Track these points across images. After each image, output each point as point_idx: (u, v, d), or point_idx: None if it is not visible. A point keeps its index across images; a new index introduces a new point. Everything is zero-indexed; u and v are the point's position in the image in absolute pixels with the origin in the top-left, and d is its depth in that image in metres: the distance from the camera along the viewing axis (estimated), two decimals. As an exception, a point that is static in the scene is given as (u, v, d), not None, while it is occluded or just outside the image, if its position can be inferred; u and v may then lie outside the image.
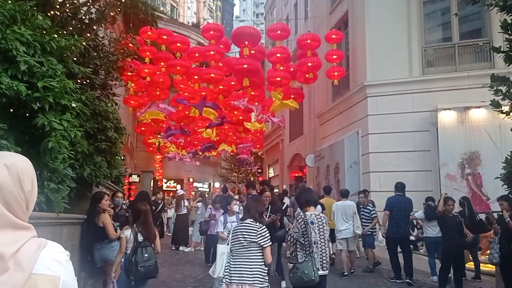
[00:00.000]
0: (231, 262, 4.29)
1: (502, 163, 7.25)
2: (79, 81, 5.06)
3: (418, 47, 13.35)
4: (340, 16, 16.38)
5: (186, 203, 14.02)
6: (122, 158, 8.08)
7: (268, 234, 4.38)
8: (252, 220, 4.39)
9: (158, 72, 15.00)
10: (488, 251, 7.44)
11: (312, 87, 18.32)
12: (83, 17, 5.47)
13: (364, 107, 13.86)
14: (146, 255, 4.58)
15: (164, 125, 18.38)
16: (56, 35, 3.68)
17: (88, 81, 5.60)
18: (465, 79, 12.20)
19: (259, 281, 4.22)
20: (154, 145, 22.18)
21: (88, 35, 5.54)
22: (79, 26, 5.40)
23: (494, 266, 7.12)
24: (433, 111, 12.50)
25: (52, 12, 4.60)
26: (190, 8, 43.94)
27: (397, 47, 13.40)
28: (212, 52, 14.14)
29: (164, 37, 15.07)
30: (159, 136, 19.82)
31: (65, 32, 4.06)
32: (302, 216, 4.46)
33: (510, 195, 6.81)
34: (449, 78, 12.64)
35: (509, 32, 7.10)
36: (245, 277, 4.20)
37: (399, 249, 8.60)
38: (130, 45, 7.00)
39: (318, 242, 4.34)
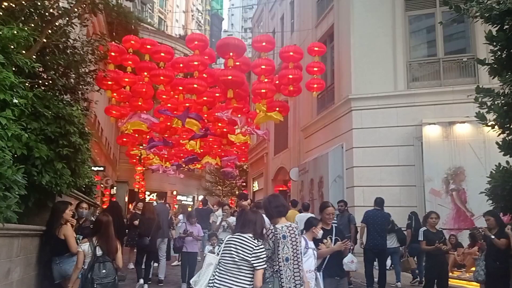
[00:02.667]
0: (217, 277, 3.81)
1: (487, 177, 7.05)
2: (37, 80, 4.72)
3: (403, 61, 13.28)
4: (326, 30, 16.31)
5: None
6: (91, 167, 7.72)
7: (265, 256, 3.83)
8: (252, 235, 3.87)
9: (140, 82, 14.70)
10: (473, 268, 7.19)
11: (297, 100, 18.13)
12: (42, 12, 5.13)
13: (348, 120, 13.69)
14: (104, 271, 4.21)
15: (148, 136, 18.01)
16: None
17: (50, 82, 5.27)
18: (449, 94, 12.10)
19: None
20: (137, 157, 21.79)
21: (50, 32, 5.21)
22: (40, 23, 5.08)
23: (478, 284, 6.86)
24: (417, 126, 12.37)
25: (6, 4, 4.28)
26: (178, 21, 43.85)
27: (382, 61, 13.30)
28: (196, 63, 13.88)
29: (148, 46, 14.81)
30: (141, 147, 19.41)
31: (21, 26, 3.74)
32: (272, 230, 4.06)
33: (495, 211, 6.59)
34: (434, 92, 12.55)
35: (494, 44, 6.96)
36: None
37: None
38: (101, 45, 6.63)
39: (291, 258, 3.96)
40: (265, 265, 3.80)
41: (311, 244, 4.81)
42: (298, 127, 19.19)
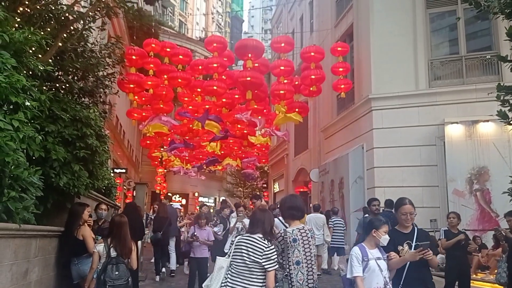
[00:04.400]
0: (229, 279, 3.76)
1: (510, 176, 6.85)
2: (54, 84, 4.82)
3: (425, 60, 13.04)
4: (345, 29, 16.17)
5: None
6: (110, 168, 7.83)
7: (275, 257, 3.74)
8: (261, 236, 3.81)
9: (161, 85, 14.86)
10: (496, 270, 6.99)
11: (317, 100, 18.04)
12: (57, 16, 5.24)
13: (369, 120, 13.52)
14: (116, 272, 4.23)
15: (169, 139, 18.19)
16: (14, 29, 3.43)
17: (67, 85, 5.37)
18: (472, 92, 11.81)
19: None
20: (158, 159, 22.03)
21: (66, 35, 5.31)
22: (56, 27, 5.18)
23: (502, 287, 6.66)
24: (440, 125, 12.12)
25: (21, 9, 4.38)
26: (198, 24, 44.19)
27: (402, 60, 13.09)
28: (215, 65, 13.96)
29: (167, 49, 14.97)
30: (162, 149, 19.61)
31: (37, 30, 3.82)
32: (282, 234, 4.00)
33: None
34: (456, 91, 12.27)
35: (515, 40, 6.76)
36: None
37: None
38: (117, 48, 6.72)
39: (302, 262, 3.83)
40: (277, 266, 3.75)
41: (373, 253, 3.90)
42: (318, 127, 19.07)
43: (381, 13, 13.66)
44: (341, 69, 13.64)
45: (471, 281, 7.46)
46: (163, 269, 10.32)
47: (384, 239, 3.91)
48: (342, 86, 13.81)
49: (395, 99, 12.99)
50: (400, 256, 3.95)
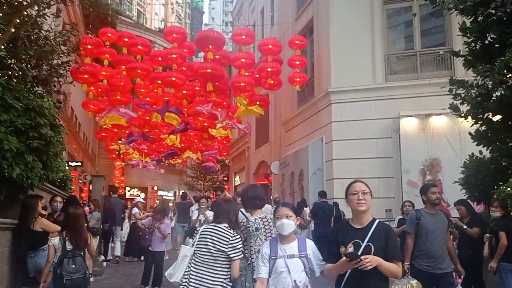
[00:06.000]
0: (193, 268, 3.76)
1: (460, 167, 7.20)
2: (6, 71, 4.59)
3: (382, 55, 13.37)
4: (306, 23, 16.32)
5: (135, 210, 12.76)
6: (65, 160, 7.58)
7: (241, 246, 3.77)
8: (227, 225, 3.83)
9: (118, 76, 14.50)
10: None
11: (277, 93, 18.15)
12: (11, 1, 4.99)
13: (328, 113, 13.75)
14: (73, 266, 4.12)
15: (127, 131, 17.80)
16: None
17: (21, 73, 5.14)
18: (426, 87, 12.24)
19: None
20: (116, 152, 21.53)
21: (18, 21, 5.07)
22: (9, 13, 4.93)
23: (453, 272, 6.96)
24: (395, 118, 12.48)
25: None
26: (157, 14, 43.35)
27: (361, 55, 13.36)
28: (174, 56, 13.79)
29: (125, 39, 14.62)
30: (120, 142, 19.17)
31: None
32: (244, 223, 4.03)
33: (468, 200, 6.72)
34: (411, 85, 12.67)
35: (468, 35, 7.08)
36: None
37: None
38: (72, 35, 6.48)
39: None
40: (242, 255, 3.78)
41: (286, 249, 3.22)
42: (279, 120, 19.21)
43: (341, 8, 13.88)
44: (297, 62, 13.79)
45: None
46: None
47: (284, 224, 3.21)
48: (298, 79, 13.96)
49: (354, 93, 13.26)
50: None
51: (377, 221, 3.04)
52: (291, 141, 17.36)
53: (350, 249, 2.87)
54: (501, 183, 6.42)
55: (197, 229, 5.00)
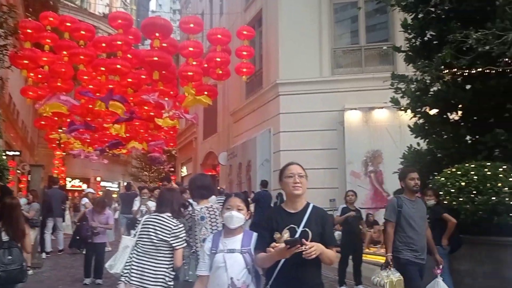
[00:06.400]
0: (135, 259, 3.71)
1: (400, 158, 7.52)
2: None
3: (328, 48, 13.66)
4: (255, 14, 16.34)
5: (84, 201, 12.57)
6: (4, 151, 7.16)
7: (184, 235, 3.72)
8: (170, 215, 3.79)
9: (59, 62, 13.86)
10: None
11: (226, 84, 18.07)
12: None
13: (276, 105, 13.90)
14: (9, 257, 3.93)
15: (68, 120, 17.06)
16: None
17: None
18: (370, 81, 12.63)
19: (162, 286, 3.66)
20: (56, 141, 20.62)
21: None
22: None
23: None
24: (340, 111, 12.83)
25: None
26: (102, -1, 41.80)
27: (308, 48, 13.58)
28: (119, 42, 13.36)
29: (68, 24, 13.99)
30: (60, 131, 18.37)
31: None
32: (190, 212, 4.00)
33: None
34: (356, 79, 13.06)
35: (409, 31, 7.38)
36: (147, 280, 3.64)
37: None
38: (9, 18, 6.11)
39: None
40: (185, 244, 3.77)
41: (228, 243, 2.88)
42: (227, 111, 19.18)
43: (289, 1, 14.01)
44: (245, 53, 13.80)
45: (364, 254, 8.12)
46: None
47: (233, 217, 2.89)
48: (245, 69, 13.99)
49: (301, 85, 13.47)
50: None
51: (311, 205, 2.82)
52: (239, 132, 17.40)
53: (286, 235, 2.62)
54: (436, 173, 6.77)
55: (138, 220, 4.86)
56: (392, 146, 11.75)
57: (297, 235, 2.63)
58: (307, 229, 2.68)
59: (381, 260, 8.72)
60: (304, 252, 2.48)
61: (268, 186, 12.54)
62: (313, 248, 2.49)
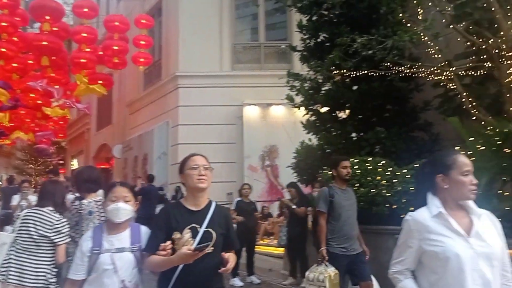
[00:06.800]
0: (13, 256, 3.44)
1: (294, 153, 7.90)
2: None
3: (229, 43, 13.79)
4: (154, 3, 15.91)
5: None
6: None
7: (67, 229, 3.50)
8: (52, 209, 3.55)
9: None
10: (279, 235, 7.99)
11: (122, 74, 17.38)
12: None
13: (175, 97, 13.71)
14: None
15: None
16: None
17: None
18: (268, 78, 13.00)
19: (43, 285, 3.42)
20: None
21: None
22: None
23: (283, 249, 7.67)
24: (239, 106, 13.06)
25: None
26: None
27: (210, 41, 13.57)
28: (4, 24, 12.17)
29: None
30: None
31: None
32: (77, 206, 3.79)
33: (297, 183, 7.42)
34: (255, 75, 13.38)
35: (304, 32, 7.76)
36: (27, 278, 3.38)
37: None
38: None
39: None
40: (68, 239, 3.58)
41: (114, 241, 2.57)
42: (123, 102, 18.46)
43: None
44: (142, 42, 13.37)
45: (257, 246, 8.39)
46: None
47: (119, 209, 2.57)
48: (142, 59, 13.58)
49: (201, 78, 13.44)
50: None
51: (214, 203, 2.55)
52: (135, 124, 16.86)
53: (187, 235, 2.33)
54: (325, 167, 7.23)
55: (17, 215, 4.47)
56: (287, 142, 12.23)
57: (199, 236, 2.36)
58: (210, 230, 2.39)
59: (274, 251, 9.12)
60: (223, 269, 2.32)
61: (165, 180, 12.37)
62: (231, 265, 2.35)
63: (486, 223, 2.03)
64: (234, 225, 7.40)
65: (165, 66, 14.79)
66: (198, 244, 2.29)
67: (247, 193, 7.47)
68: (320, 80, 7.71)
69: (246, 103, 12.89)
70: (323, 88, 7.78)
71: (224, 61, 13.70)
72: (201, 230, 2.39)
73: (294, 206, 6.79)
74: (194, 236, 2.36)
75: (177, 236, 2.34)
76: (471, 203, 2.04)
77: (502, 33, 5.57)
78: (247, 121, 12.78)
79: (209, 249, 2.26)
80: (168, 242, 2.32)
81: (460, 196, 2.02)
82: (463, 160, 2.04)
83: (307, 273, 4.40)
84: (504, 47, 5.61)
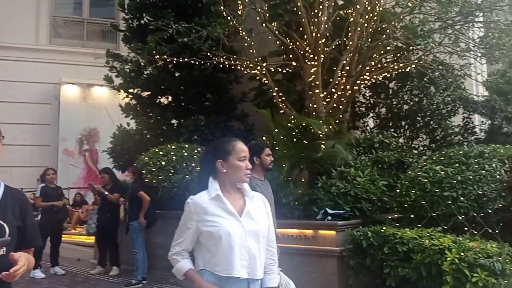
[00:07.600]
0: None
1: (110, 137, 7.56)
2: None
3: (48, 15, 12.54)
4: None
5: None
6: None
7: None
8: None
9: None
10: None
11: None
12: None
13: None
14: None
15: None
16: None
17: None
18: (91, 56, 12.12)
19: None
20: None
21: None
22: None
23: (93, 237, 7.26)
24: (57, 84, 12.02)
25: None
26: None
27: (24, 11, 12.15)
28: None
29: None
30: None
31: None
32: None
33: (112, 168, 7.12)
34: (76, 52, 12.42)
35: (126, 12, 7.44)
36: None
37: None
38: None
39: None
40: None
41: None
42: None
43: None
44: None
45: (68, 235, 7.84)
46: None
47: None
48: None
49: (13, 51, 11.98)
50: None
51: (3, 185, 1.79)
52: None
53: None
54: (144, 153, 7.09)
55: None
56: (110, 125, 11.68)
57: None
58: (1, 222, 1.67)
59: (86, 239, 8.59)
60: (4, 274, 1.54)
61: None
62: (22, 269, 1.57)
63: (258, 204, 2.22)
64: (38, 216, 6.71)
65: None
66: None
67: (52, 179, 6.72)
68: (142, 64, 7.51)
69: (64, 82, 11.93)
70: (145, 72, 7.60)
71: (41, 34, 12.42)
72: None
73: (106, 193, 6.45)
74: None
75: None
76: (246, 186, 2.21)
77: (305, 36, 6.18)
78: (64, 101, 11.82)
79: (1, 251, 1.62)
80: None
81: (236, 179, 2.17)
82: (241, 147, 2.19)
83: None
84: (308, 49, 6.24)
